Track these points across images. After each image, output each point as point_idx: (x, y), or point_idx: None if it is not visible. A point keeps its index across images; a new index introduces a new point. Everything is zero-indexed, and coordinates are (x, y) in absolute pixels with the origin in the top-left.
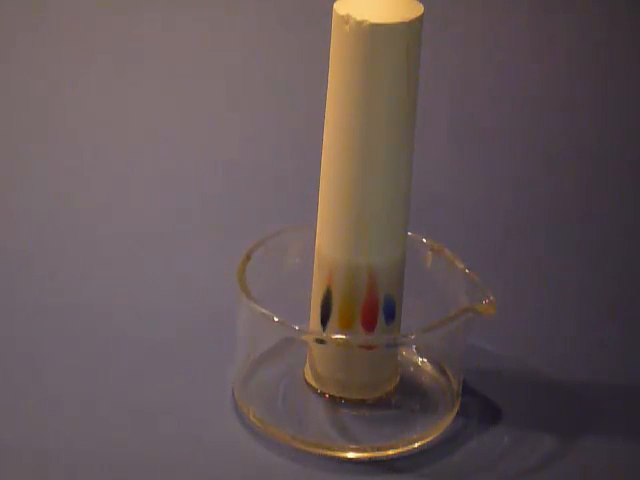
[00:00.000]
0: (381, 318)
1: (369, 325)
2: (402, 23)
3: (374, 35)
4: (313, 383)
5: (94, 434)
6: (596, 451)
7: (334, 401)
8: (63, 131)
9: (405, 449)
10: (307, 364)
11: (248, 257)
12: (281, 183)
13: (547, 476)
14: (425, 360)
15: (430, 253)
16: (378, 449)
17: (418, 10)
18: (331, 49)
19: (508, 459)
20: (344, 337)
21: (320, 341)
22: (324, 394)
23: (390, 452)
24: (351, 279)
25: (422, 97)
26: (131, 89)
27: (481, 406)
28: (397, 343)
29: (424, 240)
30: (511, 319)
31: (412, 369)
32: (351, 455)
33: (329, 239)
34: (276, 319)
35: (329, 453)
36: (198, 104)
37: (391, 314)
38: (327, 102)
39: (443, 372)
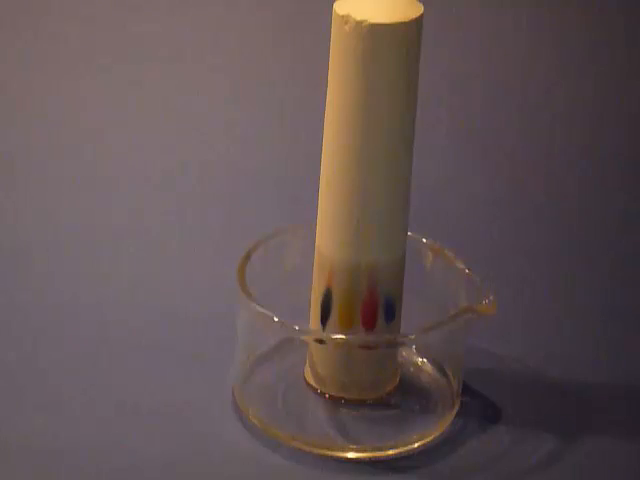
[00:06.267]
0: (381, 318)
1: (369, 325)
2: (402, 23)
3: (374, 35)
4: (313, 383)
5: (94, 434)
6: (596, 451)
7: (334, 401)
8: (63, 131)
9: (405, 449)
10: (307, 364)
11: (248, 257)
12: (281, 183)
13: (547, 476)
14: (425, 360)
15: (430, 253)
16: (378, 449)
17: (418, 10)
18: (331, 49)
19: (508, 459)
20: (344, 337)
21: (320, 341)
22: (324, 394)
23: (390, 452)
24: (351, 279)
25: (422, 97)
26: (131, 89)
27: (481, 406)
28: (397, 343)
29: (424, 240)
30: (511, 319)
31: (412, 369)
32: (351, 455)
33: (329, 239)
34: (276, 319)
35: (329, 453)
36: (198, 104)
37: (391, 314)
38: (327, 102)
39: (443, 372)
